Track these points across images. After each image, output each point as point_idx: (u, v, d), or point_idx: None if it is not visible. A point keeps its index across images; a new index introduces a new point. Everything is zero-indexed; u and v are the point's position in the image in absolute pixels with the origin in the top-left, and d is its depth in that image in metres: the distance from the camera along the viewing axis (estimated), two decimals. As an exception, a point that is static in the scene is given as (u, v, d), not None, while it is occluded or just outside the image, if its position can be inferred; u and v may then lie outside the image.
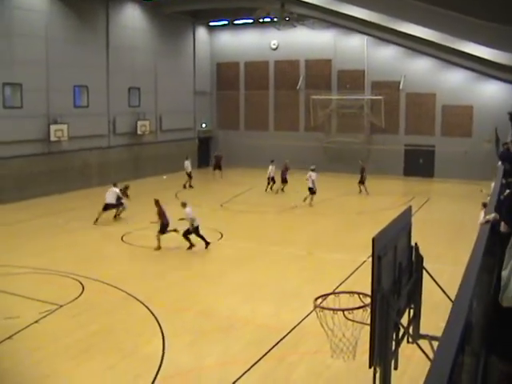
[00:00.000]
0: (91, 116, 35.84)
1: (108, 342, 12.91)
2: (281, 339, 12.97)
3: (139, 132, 39.60)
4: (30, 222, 26.15)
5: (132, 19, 39.38)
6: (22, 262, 19.15)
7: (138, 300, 15.50)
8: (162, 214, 21.44)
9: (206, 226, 25.10)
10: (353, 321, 8.74)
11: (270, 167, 34.78)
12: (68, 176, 33.42)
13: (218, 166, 40.20)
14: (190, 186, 35.89)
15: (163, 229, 21.27)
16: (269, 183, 34.72)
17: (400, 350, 7.99)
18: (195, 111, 46.44)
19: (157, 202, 21.70)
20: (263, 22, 42.46)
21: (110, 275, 17.65)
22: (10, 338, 12.90)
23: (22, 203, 29.92)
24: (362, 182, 33.64)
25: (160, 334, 13.25)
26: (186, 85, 45.34)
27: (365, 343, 7.39)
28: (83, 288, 16.59)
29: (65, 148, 33.69)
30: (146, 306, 14.99)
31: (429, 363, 7.69)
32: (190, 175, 36.29)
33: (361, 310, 8.48)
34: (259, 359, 11.95)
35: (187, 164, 36.82)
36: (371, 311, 6.73)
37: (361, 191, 33.39)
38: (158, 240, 21.06)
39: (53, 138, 32.63)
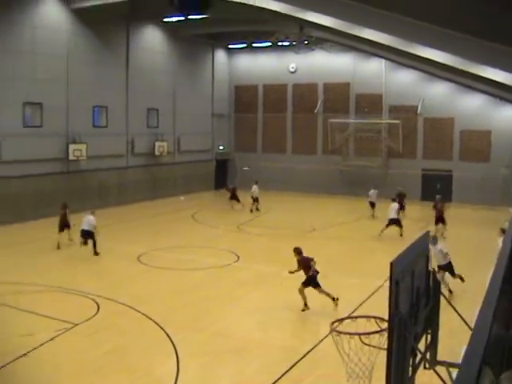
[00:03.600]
0: (110, 136, 36.13)
1: (122, 362, 12.89)
2: (296, 362, 12.88)
3: (157, 153, 39.80)
4: (48, 239, 26.27)
5: (152, 41, 39.79)
6: (40, 279, 19.23)
7: (152, 320, 15.47)
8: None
9: (222, 247, 25.16)
10: (369, 345, 8.68)
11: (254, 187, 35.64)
12: (86, 195, 33.54)
13: (234, 197, 36.84)
14: (257, 209, 35.40)
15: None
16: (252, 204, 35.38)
17: (417, 376, 7.92)
18: (213, 133, 46.67)
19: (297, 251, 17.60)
20: (282, 45, 42.70)
21: (125, 295, 17.67)
22: (25, 355, 12.93)
23: (41, 221, 30.08)
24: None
25: (174, 355, 13.20)
26: (204, 107, 45.62)
27: (381, 368, 7.33)
28: (98, 307, 16.61)
29: (83, 167, 33.93)
30: (161, 327, 14.96)
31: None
32: (256, 199, 35.54)
33: (377, 335, 8.42)
34: (274, 382, 11.86)
35: (255, 188, 35.93)
36: (388, 336, 6.67)
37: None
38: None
39: (71, 157, 32.89)
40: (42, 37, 31.42)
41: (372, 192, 33.87)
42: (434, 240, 17.30)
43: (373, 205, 33.50)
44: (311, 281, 16.76)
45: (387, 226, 27.72)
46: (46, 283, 18.87)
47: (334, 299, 16.72)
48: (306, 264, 16.95)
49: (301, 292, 16.70)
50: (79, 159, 33.37)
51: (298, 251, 17.29)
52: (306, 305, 16.72)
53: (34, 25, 31.04)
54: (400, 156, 41.80)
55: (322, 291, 16.79)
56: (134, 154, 38.35)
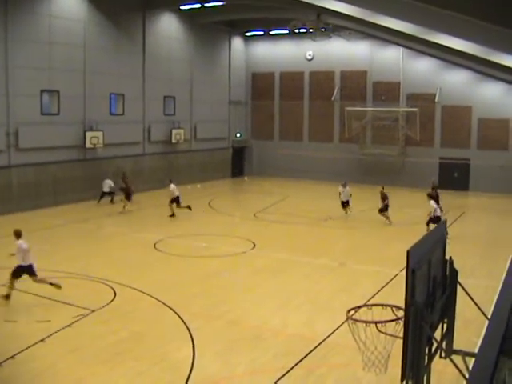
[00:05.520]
0: (126, 124, 36.21)
1: (138, 348, 12.97)
2: (311, 350, 12.90)
3: (174, 140, 39.86)
4: (65, 227, 26.46)
5: (168, 29, 39.74)
6: (57, 266, 19.35)
7: (169, 307, 15.54)
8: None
9: (239, 235, 25.19)
10: (385, 334, 8.66)
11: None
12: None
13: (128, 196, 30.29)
14: (189, 208, 29.83)
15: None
16: None
17: (432, 364, 7.91)
18: (230, 121, 46.63)
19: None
20: (299, 32, 42.56)
21: (141, 282, 17.76)
22: (42, 340, 13.08)
23: (58, 208, 30.35)
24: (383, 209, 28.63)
25: (190, 342, 13.27)
26: (221, 94, 45.59)
27: (396, 357, 7.32)
28: (115, 294, 16.71)
29: (100, 155, 34.05)
30: (177, 314, 15.03)
31: (461, 379, 7.58)
32: (176, 200, 29.30)
33: (393, 323, 8.41)
34: (289, 370, 11.89)
35: (173, 188, 29.49)
36: (404, 324, 6.67)
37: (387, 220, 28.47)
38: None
39: (88, 145, 33.00)
40: (58, 26, 31.44)
41: (341, 189, 30.48)
42: None
43: (346, 203, 30.26)
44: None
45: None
46: (63, 269, 19.00)
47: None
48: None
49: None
50: (96, 147, 33.46)
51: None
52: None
53: (50, 14, 31.02)
54: (417, 144, 41.55)
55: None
56: (150, 142, 38.41)
